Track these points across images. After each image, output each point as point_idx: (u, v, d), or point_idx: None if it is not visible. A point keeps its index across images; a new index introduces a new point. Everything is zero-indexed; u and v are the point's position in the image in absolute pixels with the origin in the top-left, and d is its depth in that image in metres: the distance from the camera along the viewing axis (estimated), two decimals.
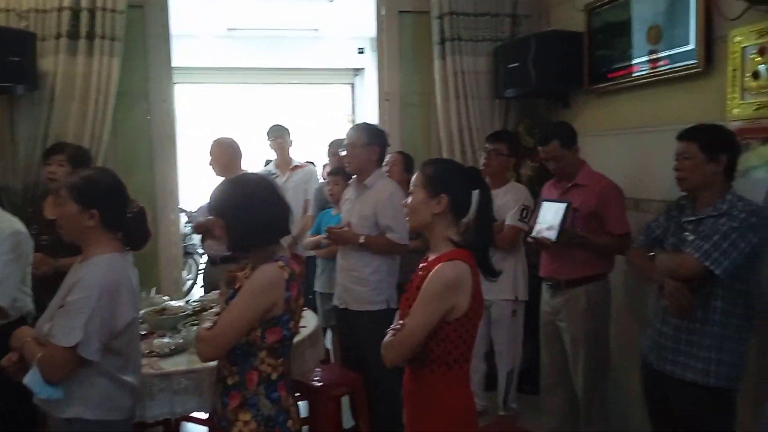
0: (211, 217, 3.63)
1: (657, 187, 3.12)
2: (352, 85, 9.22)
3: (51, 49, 3.66)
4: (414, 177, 2.00)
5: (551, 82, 3.72)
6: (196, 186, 6.01)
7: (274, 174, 4.67)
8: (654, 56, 3.10)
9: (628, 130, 3.35)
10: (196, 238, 7.02)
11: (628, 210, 3.05)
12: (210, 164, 3.89)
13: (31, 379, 1.90)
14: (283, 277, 1.88)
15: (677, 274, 2.19)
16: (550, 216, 2.95)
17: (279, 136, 4.83)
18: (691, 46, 2.83)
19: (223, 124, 8.69)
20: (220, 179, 3.83)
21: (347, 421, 3.52)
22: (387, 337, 1.91)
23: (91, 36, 3.68)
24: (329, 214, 4.08)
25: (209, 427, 3.45)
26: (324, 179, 7.40)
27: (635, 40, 3.23)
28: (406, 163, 4.10)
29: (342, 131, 8.95)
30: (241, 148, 4.00)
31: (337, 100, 9.32)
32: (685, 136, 2.30)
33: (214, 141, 3.90)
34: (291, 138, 5.00)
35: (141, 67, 4.07)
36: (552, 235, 2.87)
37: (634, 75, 3.24)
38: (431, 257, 1.97)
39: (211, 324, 1.92)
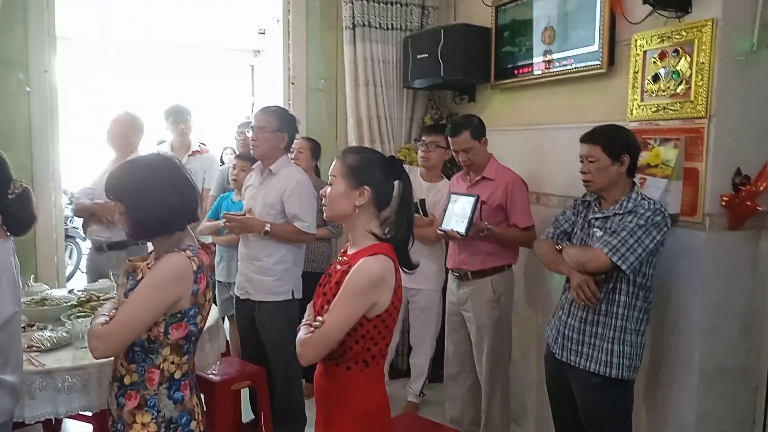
0: (99, 201, 3.44)
1: (557, 182, 3.25)
2: (253, 66, 8.94)
3: None
4: (333, 166, 1.90)
5: (459, 75, 3.74)
6: (78, 164, 5.58)
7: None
8: (556, 55, 3.20)
9: (530, 126, 3.45)
10: (79, 222, 6.56)
11: (530, 203, 3.14)
12: (107, 142, 3.61)
13: None
14: (192, 268, 1.74)
15: (585, 268, 2.27)
16: (458, 209, 2.98)
17: (181, 120, 4.53)
18: (595, 48, 2.94)
19: (113, 100, 8.17)
20: (114, 158, 3.62)
21: (246, 414, 3.40)
22: (302, 334, 1.81)
23: None
24: (229, 199, 3.91)
25: (93, 425, 3.26)
26: (223, 163, 7.17)
27: (538, 39, 3.32)
28: (314, 150, 4.01)
29: (243, 113, 8.73)
30: (142, 126, 3.74)
31: (237, 81, 9.00)
32: (588, 139, 2.38)
33: (113, 118, 3.62)
34: (192, 121, 4.72)
35: (20, 35, 3.68)
36: (461, 228, 2.89)
37: (537, 72, 3.33)
38: (351, 251, 1.90)
39: (106, 318, 1.75)
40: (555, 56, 3.20)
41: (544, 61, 3.29)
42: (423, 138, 3.62)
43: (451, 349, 3.27)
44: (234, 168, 3.88)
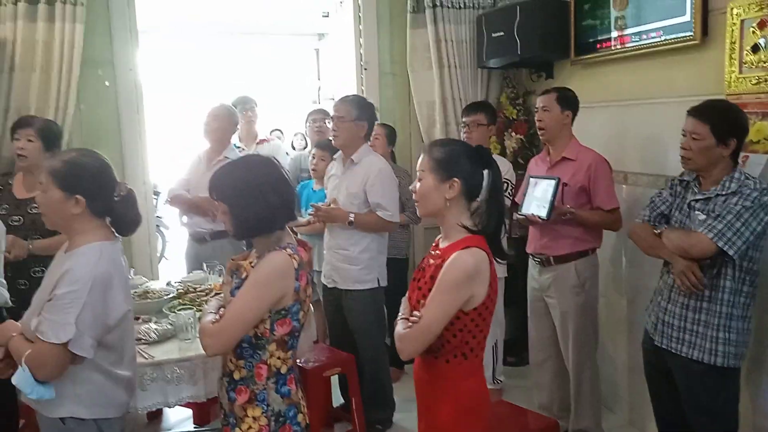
0: (201, 195, 3.56)
1: (645, 161, 3.13)
2: (317, 50, 8.98)
3: (9, 15, 3.39)
4: (421, 161, 1.89)
5: (536, 52, 3.65)
6: (158, 154, 5.78)
7: (239, 147, 4.49)
8: (643, 27, 3.05)
9: (616, 103, 3.32)
10: (165, 211, 6.81)
11: (615, 183, 3.04)
12: (204, 136, 3.73)
13: (20, 378, 1.77)
14: (293, 265, 1.79)
15: (689, 254, 2.18)
16: (539, 192, 2.91)
17: (249, 108, 4.63)
18: (686, 18, 2.79)
19: (187, 91, 8.41)
20: (207, 150, 3.74)
21: (335, 399, 3.48)
22: (400, 329, 1.83)
23: (51, 0, 3.42)
24: (310, 188, 3.96)
25: (193, 410, 3.42)
26: (293, 148, 7.27)
27: (622, 11, 3.17)
28: (389, 136, 4.00)
29: (308, 97, 8.81)
30: (238, 119, 3.85)
31: (302, 65, 9.07)
32: (696, 113, 2.25)
33: (211, 113, 3.72)
34: (258, 110, 4.81)
35: (104, 34, 3.81)
36: (542, 212, 2.83)
37: (624, 46, 3.19)
38: (443, 244, 1.90)
39: (215, 316, 1.82)
40: (642, 28, 3.06)
41: (629, 34, 3.15)
42: (463, 118, 3.56)
43: (534, 335, 3.23)
44: (313, 158, 3.93)
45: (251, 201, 1.79)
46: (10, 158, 3.30)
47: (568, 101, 3.00)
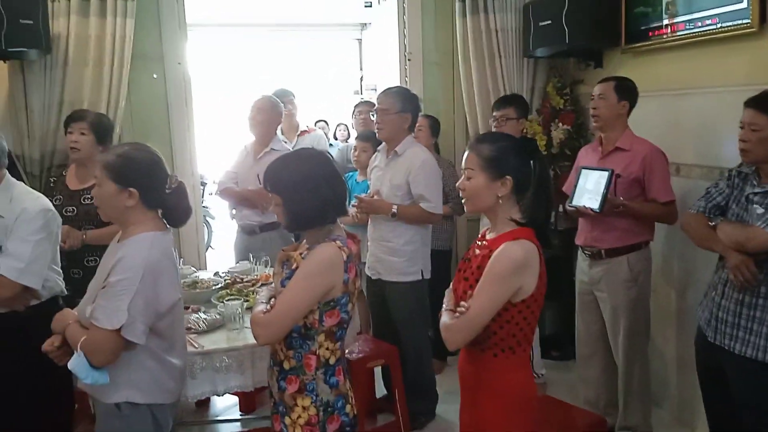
0: (251, 188, 3.62)
1: (699, 152, 3.04)
2: (360, 40, 8.98)
3: (63, 10, 3.48)
4: (467, 158, 1.87)
5: (585, 41, 3.57)
6: (210, 147, 5.89)
7: (283, 141, 4.54)
8: (697, 15, 2.95)
9: (668, 92, 3.22)
10: (212, 202, 6.93)
11: None
12: (250, 130, 3.78)
13: (76, 364, 1.83)
14: (342, 257, 1.80)
15: (744, 248, 2.11)
16: (590, 183, 2.85)
17: (288, 101, 4.66)
18: (743, 5, 2.68)
19: (232, 84, 8.52)
20: (253, 142, 3.79)
21: (378, 390, 3.50)
22: (447, 319, 1.83)
23: None
24: (354, 179, 3.98)
25: (240, 398, 3.49)
26: (336, 138, 7.31)
27: None
28: (433, 127, 3.98)
29: (350, 88, 8.84)
30: (282, 111, 3.89)
31: (344, 56, 9.09)
32: (754, 104, 2.17)
33: (255, 106, 3.76)
34: (296, 102, 4.83)
35: (154, 27, 3.88)
36: (595, 204, 2.77)
37: (677, 34, 3.10)
38: (491, 235, 1.89)
39: (266, 306, 1.85)
40: (696, 15, 2.96)
41: (682, 21, 3.05)
42: (494, 113, 3.52)
43: (582, 329, 3.17)
44: (355, 150, 3.94)
45: (305, 194, 1.81)
46: (63, 151, 3.40)
47: (627, 91, 2.92)
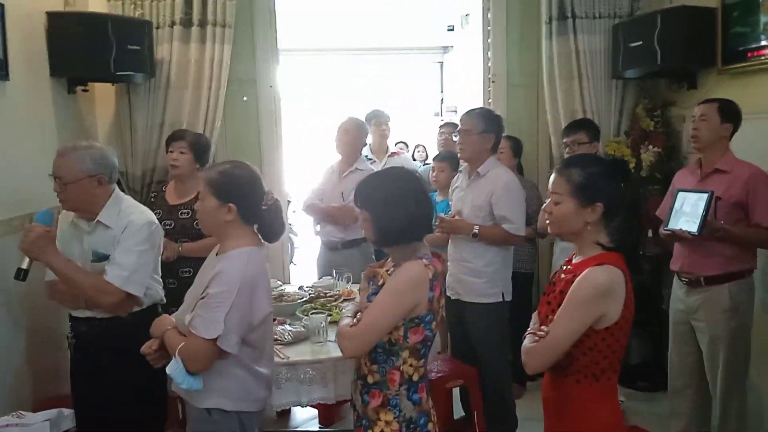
0: (334, 205, 3.73)
1: None
2: (441, 63, 9.07)
3: (166, 37, 3.73)
4: (556, 182, 1.83)
5: (679, 62, 3.47)
6: (295, 167, 6.09)
7: (370, 159, 4.64)
8: None
9: None
10: (295, 219, 7.14)
11: None
12: (337, 150, 3.90)
13: (174, 369, 1.93)
14: (428, 275, 1.82)
15: None
16: (688, 206, 2.75)
17: (383, 122, 4.77)
18: None
19: (319, 106, 8.77)
20: (339, 161, 3.90)
21: (456, 411, 3.48)
22: (528, 342, 1.81)
23: (203, 23, 3.72)
24: (433, 199, 4.00)
25: (319, 410, 3.55)
26: (414, 159, 7.39)
27: None
28: (515, 149, 3.96)
29: (431, 110, 8.92)
30: (367, 131, 3.99)
31: (425, 78, 9.19)
32: None
33: (342, 127, 3.88)
34: (390, 125, 4.93)
35: (249, 53, 4.09)
36: (693, 227, 2.67)
37: None
38: (576, 259, 1.85)
39: (351, 320, 1.89)
40: None
41: None
42: (564, 139, 3.46)
43: (676, 360, 3.03)
44: (433, 170, 3.98)
45: (393, 211, 1.85)
46: (163, 168, 3.61)
47: (731, 113, 2.82)
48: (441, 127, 4.51)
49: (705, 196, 2.68)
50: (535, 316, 1.95)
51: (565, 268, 1.89)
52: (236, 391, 2.01)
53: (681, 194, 2.83)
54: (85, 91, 3.60)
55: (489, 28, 4.32)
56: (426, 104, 9.19)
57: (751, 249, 2.79)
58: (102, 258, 2.32)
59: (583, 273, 1.73)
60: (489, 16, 4.30)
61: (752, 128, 3.11)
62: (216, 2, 3.71)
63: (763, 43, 3.05)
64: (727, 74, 3.34)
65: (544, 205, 1.89)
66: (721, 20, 3.32)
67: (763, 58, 3.06)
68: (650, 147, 3.76)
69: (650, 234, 3.35)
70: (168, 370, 1.95)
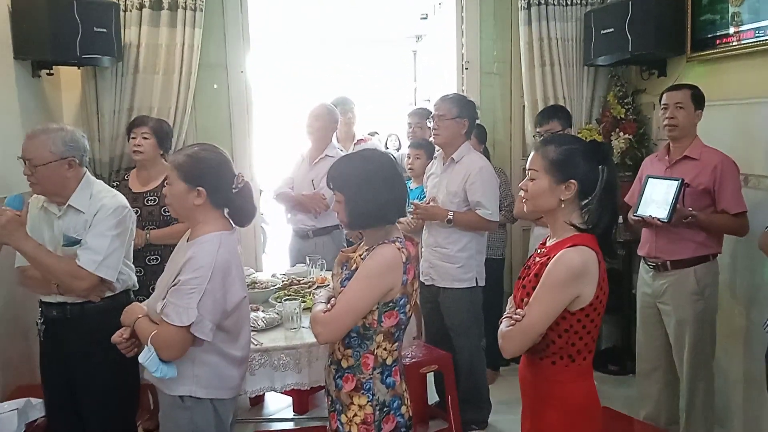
0: (305, 193, 3.69)
1: None
2: (415, 52, 9.05)
3: (134, 20, 3.64)
4: (533, 158, 1.84)
5: (650, 49, 3.50)
6: (266, 155, 6.02)
7: (338, 148, 4.59)
8: None
9: (737, 101, 3.13)
10: (266, 208, 7.05)
11: None
12: (308, 136, 3.86)
13: (147, 357, 1.89)
14: (401, 259, 1.82)
15: None
16: (657, 193, 2.78)
17: (348, 110, 4.71)
18: None
19: (290, 93, 8.70)
20: (309, 149, 3.86)
21: (431, 396, 3.49)
22: (504, 327, 1.81)
23: (173, 6, 3.65)
24: (408, 187, 3.99)
25: (293, 398, 3.54)
26: (387, 148, 7.36)
27: (748, 4, 2.99)
28: (480, 135, 3.96)
29: (404, 99, 8.90)
30: (338, 118, 3.96)
31: (399, 67, 9.17)
32: None
33: (312, 113, 3.84)
34: (356, 111, 4.88)
35: (219, 38, 4.02)
36: (662, 213, 2.71)
37: (745, 41, 3.01)
38: (551, 242, 1.86)
39: (325, 306, 1.88)
40: (766, 23, 2.87)
41: (751, 29, 2.96)
42: (537, 128, 3.50)
43: (643, 343, 3.08)
44: (408, 157, 3.97)
45: (367, 193, 1.83)
46: (131, 154, 3.54)
47: (701, 100, 2.86)
48: (409, 115, 4.42)
49: (675, 183, 2.71)
50: (510, 300, 1.95)
51: (539, 251, 1.89)
52: (210, 378, 1.98)
53: (651, 181, 2.87)
54: (50, 74, 3.50)
55: (463, 14, 4.31)
56: (400, 93, 9.17)
57: (718, 234, 2.84)
58: (73, 243, 2.27)
59: (557, 255, 1.74)
60: (463, 2, 4.30)
61: (720, 115, 3.17)
62: None
63: (731, 30, 3.09)
64: (696, 61, 3.39)
65: (521, 183, 1.89)
66: (690, 8, 3.35)
67: (731, 45, 3.10)
68: (621, 134, 3.81)
69: (620, 220, 3.39)
70: (140, 358, 1.92)
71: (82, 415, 2.36)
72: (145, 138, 3.16)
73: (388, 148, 7.59)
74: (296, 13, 7.14)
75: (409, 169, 3.95)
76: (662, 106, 2.92)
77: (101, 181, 2.48)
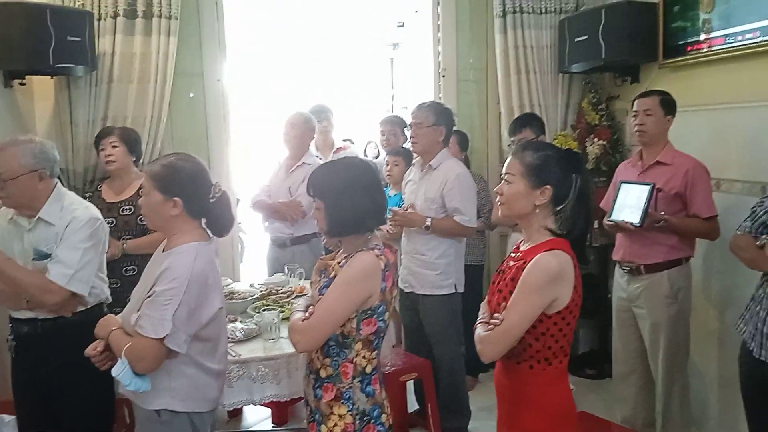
0: (282, 200, 3.67)
1: (741, 166, 2.99)
2: (392, 59, 9.08)
3: (108, 28, 3.60)
4: (509, 164, 1.86)
5: (623, 56, 3.55)
6: (244, 164, 5.98)
7: (316, 156, 4.57)
8: (738, 29, 2.92)
9: (709, 107, 3.18)
10: (243, 217, 7.00)
11: None
12: (285, 144, 3.85)
13: (120, 370, 1.85)
14: (380, 266, 1.81)
15: None
16: (631, 198, 2.82)
17: (324, 118, 4.68)
18: None
19: (266, 101, 8.66)
20: (287, 157, 3.84)
21: (410, 404, 3.49)
22: (481, 331, 1.82)
23: (148, 15, 3.61)
24: (386, 194, 3.99)
25: (272, 410, 3.51)
26: (366, 156, 7.35)
27: (715, 11, 3.05)
28: (461, 143, 3.99)
29: (382, 106, 8.90)
30: (315, 126, 3.95)
31: (376, 75, 9.19)
32: None
33: (289, 121, 3.83)
34: (334, 120, 4.86)
35: (195, 46, 3.99)
36: (635, 218, 2.75)
37: (715, 48, 3.07)
38: (525, 246, 1.88)
39: (303, 314, 1.86)
40: (737, 29, 2.93)
41: (722, 36, 3.03)
42: (511, 137, 3.56)
43: (619, 347, 3.12)
44: (387, 164, 3.97)
45: (347, 200, 1.83)
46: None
47: (671, 106, 2.91)
48: (381, 123, 4.36)
49: (647, 188, 2.76)
50: (483, 305, 1.97)
51: (513, 255, 1.91)
52: (186, 391, 1.95)
53: (624, 186, 2.91)
54: (23, 84, 3.45)
55: (439, 22, 4.34)
56: (377, 101, 9.18)
57: (690, 238, 2.89)
58: (44, 256, 2.23)
59: (534, 259, 1.76)
60: (439, 10, 4.33)
61: (692, 120, 3.23)
62: None
63: (702, 37, 3.15)
64: (668, 68, 3.45)
65: (497, 187, 1.91)
66: (662, 15, 3.41)
67: (702, 51, 3.16)
68: (596, 140, 3.86)
69: (596, 225, 3.43)
70: (114, 372, 1.88)
71: (56, 428, 2.31)
72: (114, 147, 3.13)
73: (367, 156, 7.59)
74: (273, 22, 7.12)
75: (388, 176, 3.95)
76: (633, 113, 2.98)
77: (73, 193, 2.45)
